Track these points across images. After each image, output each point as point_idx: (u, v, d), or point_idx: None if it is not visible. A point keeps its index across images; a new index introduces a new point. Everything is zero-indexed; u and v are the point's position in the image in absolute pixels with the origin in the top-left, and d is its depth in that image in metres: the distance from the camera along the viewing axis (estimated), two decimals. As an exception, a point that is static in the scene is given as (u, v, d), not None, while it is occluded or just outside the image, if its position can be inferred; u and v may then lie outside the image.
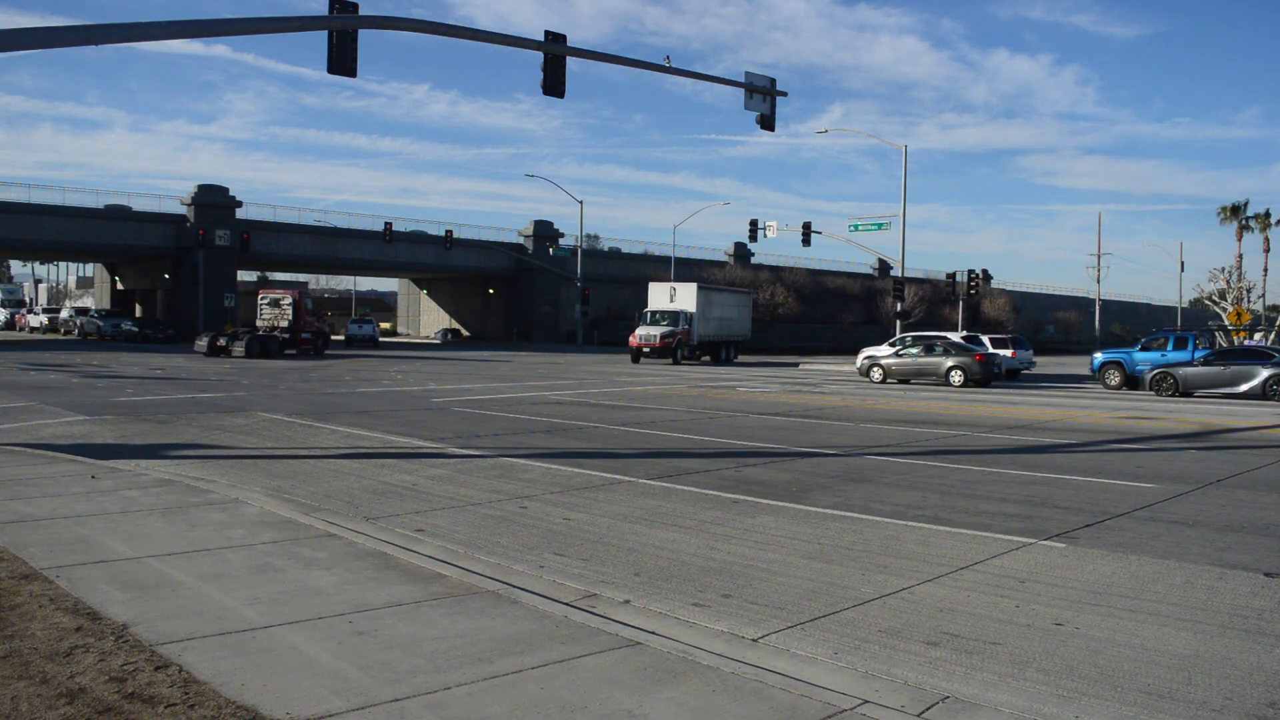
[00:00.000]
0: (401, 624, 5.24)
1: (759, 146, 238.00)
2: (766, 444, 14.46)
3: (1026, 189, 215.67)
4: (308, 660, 4.64)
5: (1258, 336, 50.01)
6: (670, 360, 43.51)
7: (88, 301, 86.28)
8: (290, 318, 43.49)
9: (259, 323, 44.02)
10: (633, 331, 43.90)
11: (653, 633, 5.25)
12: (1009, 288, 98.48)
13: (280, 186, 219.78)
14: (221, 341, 41.12)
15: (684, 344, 43.19)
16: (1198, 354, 29.34)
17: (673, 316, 43.24)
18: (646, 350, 42.81)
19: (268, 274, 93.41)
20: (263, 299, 44.86)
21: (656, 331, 42.50)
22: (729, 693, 4.36)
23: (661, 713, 4.12)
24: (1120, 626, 5.68)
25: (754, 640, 5.35)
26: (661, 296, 45.39)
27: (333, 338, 54.38)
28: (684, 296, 44.83)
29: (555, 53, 20.15)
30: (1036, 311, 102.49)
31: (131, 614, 5.27)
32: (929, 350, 31.20)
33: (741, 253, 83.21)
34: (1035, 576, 6.81)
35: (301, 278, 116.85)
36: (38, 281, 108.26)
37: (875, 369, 32.06)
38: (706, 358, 46.51)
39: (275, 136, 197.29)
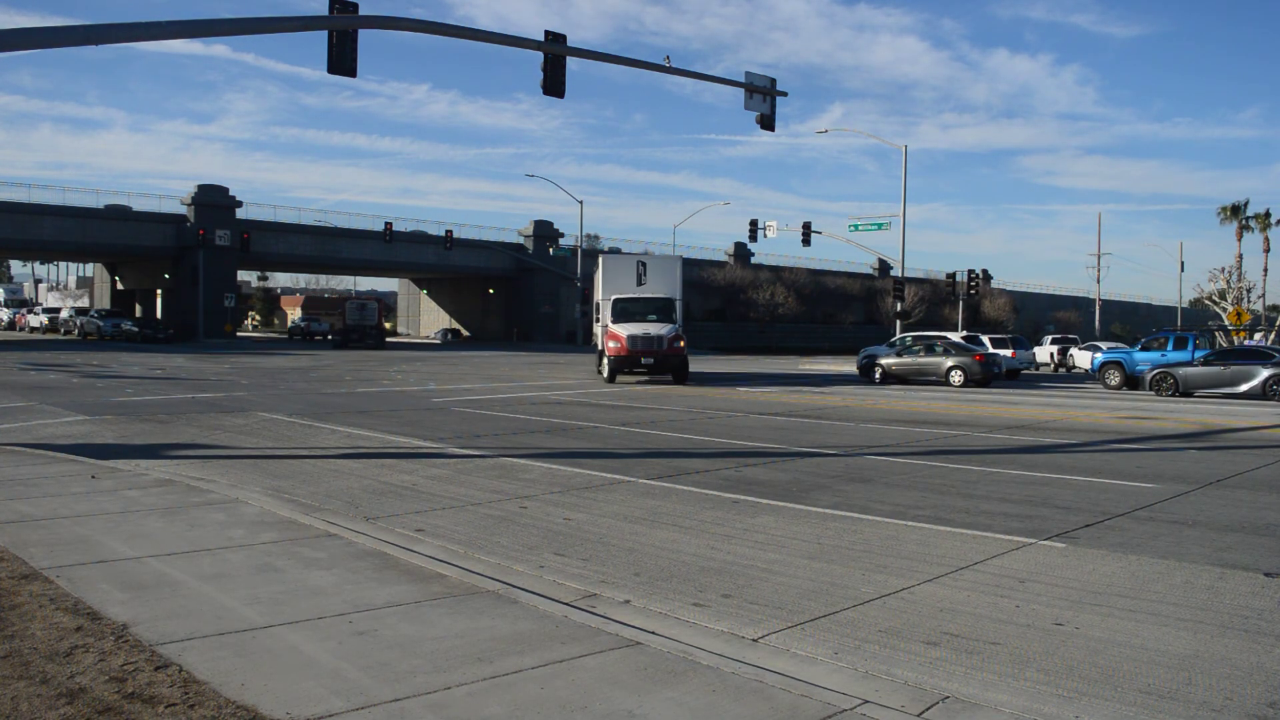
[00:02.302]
0: (401, 624, 5.24)
1: (759, 146, 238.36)
2: (767, 444, 14.46)
3: (1026, 189, 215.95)
4: (308, 660, 4.63)
5: (1258, 336, 49.98)
6: (670, 378, 28.67)
7: (85, 301, 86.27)
8: (375, 319, 57.02)
9: (348, 323, 56.47)
10: (608, 332, 27.64)
11: (653, 633, 5.25)
12: (1009, 288, 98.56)
13: (280, 186, 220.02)
14: (354, 337, 55.40)
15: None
16: (1198, 354, 29.33)
17: (661, 307, 28.23)
18: (647, 361, 27.12)
19: (267, 274, 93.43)
20: (351, 304, 58.44)
21: (662, 331, 27.20)
22: (729, 693, 4.36)
23: (661, 713, 4.11)
24: (1120, 626, 5.68)
25: (754, 640, 5.34)
26: (624, 276, 29.27)
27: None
28: (661, 277, 29.56)
29: (555, 53, 20.16)
30: (1036, 311, 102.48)
31: (131, 614, 5.27)
32: (929, 350, 31.19)
33: (741, 252, 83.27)
34: (1035, 576, 6.81)
35: (302, 278, 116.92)
36: (38, 281, 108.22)
37: (875, 369, 32.08)
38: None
39: (275, 136, 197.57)
